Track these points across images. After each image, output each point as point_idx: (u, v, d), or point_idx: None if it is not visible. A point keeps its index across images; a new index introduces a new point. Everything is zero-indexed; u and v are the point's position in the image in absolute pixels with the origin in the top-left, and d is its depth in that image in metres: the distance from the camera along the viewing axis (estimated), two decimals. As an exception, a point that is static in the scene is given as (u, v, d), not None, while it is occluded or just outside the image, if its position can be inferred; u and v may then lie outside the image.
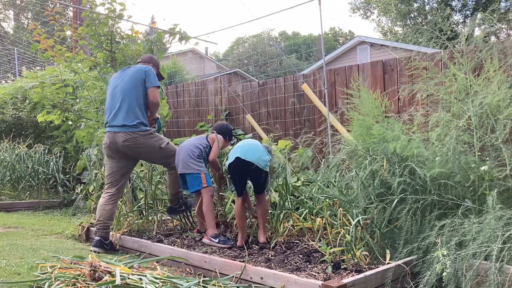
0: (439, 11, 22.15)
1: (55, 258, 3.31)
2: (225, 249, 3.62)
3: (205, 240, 3.80)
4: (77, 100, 5.72)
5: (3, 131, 8.02)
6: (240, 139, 6.01)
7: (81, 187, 6.26)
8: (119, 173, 4.02)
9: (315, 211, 3.86)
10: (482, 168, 2.84)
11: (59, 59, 5.29)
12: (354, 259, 3.00)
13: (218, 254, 3.45)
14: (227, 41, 70.30)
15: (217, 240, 3.72)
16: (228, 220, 4.36)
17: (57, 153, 7.38)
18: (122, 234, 4.09)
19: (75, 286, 2.53)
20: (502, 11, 20.67)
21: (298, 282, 2.54)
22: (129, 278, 2.55)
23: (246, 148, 3.70)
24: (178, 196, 4.28)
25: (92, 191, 5.47)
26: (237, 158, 3.61)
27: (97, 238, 3.86)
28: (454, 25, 22.41)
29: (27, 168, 7.13)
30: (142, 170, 4.95)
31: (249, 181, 3.94)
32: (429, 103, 3.70)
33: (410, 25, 25.18)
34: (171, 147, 4.15)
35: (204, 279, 2.76)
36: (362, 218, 3.10)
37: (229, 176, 4.12)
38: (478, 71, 3.42)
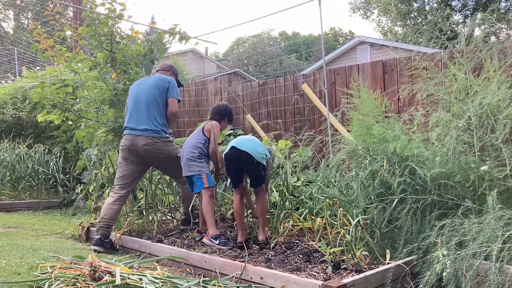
0: (439, 11, 22.15)
1: (55, 258, 3.32)
2: (225, 249, 3.62)
3: (205, 240, 3.80)
4: (77, 100, 5.72)
5: (3, 131, 8.02)
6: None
7: (81, 187, 6.26)
8: (131, 177, 4.09)
9: (315, 211, 3.86)
10: (482, 168, 2.84)
11: (59, 59, 5.29)
12: (354, 259, 3.00)
13: (218, 254, 3.44)
14: (227, 41, 70.34)
15: (217, 242, 3.72)
16: (227, 216, 4.39)
17: (57, 153, 7.38)
18: (122, 234, 4.09)
19: (75, 286, 2.53)
20: (502, 11, 20.67)
21: (298, 282, 2.53)
22: (129, 278, 2.56)
23: (242, 139, 3.79)
24: (192, 209, 4.33)
25: (92, 191, 5.47)
26: (233, 148, 3.67)
27: (97, 236, 3.87)
28: (454, 25, 22.41)
29: (27, 168, 7.13)
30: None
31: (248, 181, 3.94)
32: (429, 103, 3.70)
33: (410, 25, 25.18)
34: None
35: (204, 279, 2.76)
36: (362, 218, 3.10)
37: (225, 168, 4.09)
38: (478, 71, 3.41)
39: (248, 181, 3.90)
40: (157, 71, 4.46)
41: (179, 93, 4.22)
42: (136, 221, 4.40)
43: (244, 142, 3.71)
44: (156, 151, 4.02)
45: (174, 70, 4.47)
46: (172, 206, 4.71)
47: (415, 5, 24.87)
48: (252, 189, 3.83)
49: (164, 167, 4.29)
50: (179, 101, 4.22)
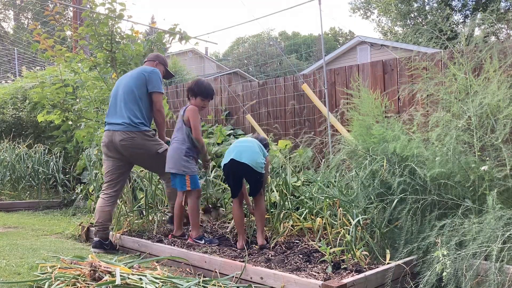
0: (439, 11, 22.15)
1: (55, 258, 3.32)
2: (224, 249, 3.62)
3: (189, 241, 3.80)
4: (77, 100, 5.72)
5: (3, 131, 8.03)
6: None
7: (81, 187, 6.26)
8: (116, 172, 3.97)
9: (315, 211, 3.86)
10: (482, 168, 2.84)
11: (59, 59, 5.29)
12: (354, 259, 3.00)
13: (218, 254, 3.44)
14: (227, 41, 70.37)
15: (202, 242, 3.72)
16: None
17: (57, 153, 7.38)
18: (122, 234, 4.09)
19: (75, 286, 2.53)
20: (502, 11, 20.67)
21: (298, 282, 2.53)
22: (129, 278, 2.56)
23: (241, 149, 3.65)
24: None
25: (92, 191, 5.47)
26: (232, 160, 3.59)
27: (96, 239, 3.86)
28: (454, 25, 22.41)
29: (27, 168, 7.13)
30: (142, 170, 4.95)
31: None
32: (429, 103, 3.70)
33: (410, 25, 25.18)
34: None
35: (204, 279, 2.77)
36: (362, 218, 3.10)
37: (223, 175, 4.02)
38: (478, 71, 3.42)
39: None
40: (144, 62, 4.29)
41: (161, 85, 3.97)
42: (136, 221, 4.40)
43: (243, 152, 3.60)
44: (134, 147, 3.84)
45: (161, 59, 4.22)
46: (172, 205, 4.70)
47: (415, 5, 24.87)
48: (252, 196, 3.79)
49: (146, 163, 4.12)
50: (161, 93, 3.96)
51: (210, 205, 4.40)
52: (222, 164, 3.74)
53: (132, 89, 3.90)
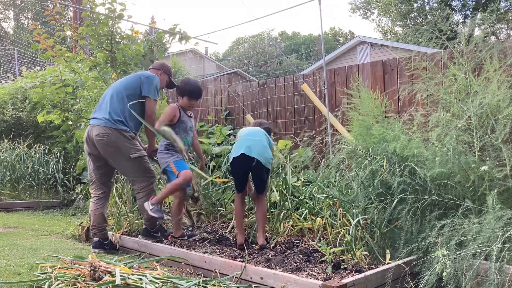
0: (439, 11, 22.15)
1: (55, 258, 3.32)
2: (224, 249, 3.62)
3: (145, 203, 3.76)
4: (77, 100, 5.73)
5: (3, 131, 8.03)
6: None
7: (81, 187, 6.25)
8: (97, 173, 3.92)
9: (315, 211, 3.86)
10: (482, 168, 2.84)
11: (59, 59, 5.30)
12: (354, 259, 3.00)
13: (218, 254, 3.45)
14: (227, 41, 70.37)
15: (151, 207, 3.69)
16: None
17: (57, 153, 7.38)
18: (122, 234, 4.09)
19: (75, 286, 2.53)
20: (502, 11, 20.67)
21: (298, 282, 2.53)
22: (129, 278, 2.56)
23: (251, 143, 3.64)
24: (154, 220, 3.90)
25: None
26: (242, 154, 3.58)
27: (96, 239, 3.86)
28: (454, 25, 22.41)
29: (27, 168, 7.13)
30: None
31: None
32: (429, 103, 3.70)
33: (410, 25, 25.19)
34: (144, 164, 3.82)
35: (204, 279, 2.77)
36: (362, 218, 3.10)
37: (231, 170, 4.00)
38: (478, 71, 3.42)
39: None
40: (149, 69, 4.23)
41: (155, 91, 3.83)
42: (136, 221, 4.40)
43: (252, 146, 3.60)
44: (107, 144, 3.68)
45: (166, 69, 4.10)
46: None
47: (415, 5, 24.87)
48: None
49: (118, 166, 3.86)
50: (154, 100, 3.82)
51: (198, 195, 4.31)
52: (231, 157, 3.72)
53: (121, 89, 3.83)
